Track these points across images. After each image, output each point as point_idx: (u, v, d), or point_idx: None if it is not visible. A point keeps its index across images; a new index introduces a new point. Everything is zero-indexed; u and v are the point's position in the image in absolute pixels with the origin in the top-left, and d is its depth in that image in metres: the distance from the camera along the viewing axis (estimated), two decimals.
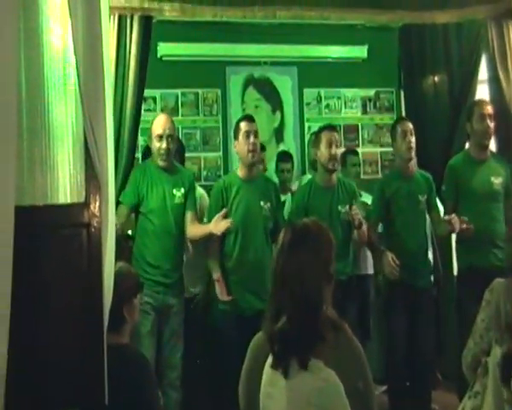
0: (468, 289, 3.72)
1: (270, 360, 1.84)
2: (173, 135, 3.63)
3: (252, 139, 3.59)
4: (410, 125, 3.99)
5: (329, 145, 3.76)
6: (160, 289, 3.49)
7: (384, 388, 4.21)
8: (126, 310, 2.37)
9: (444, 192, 4.11)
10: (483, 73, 4.54)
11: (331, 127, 3.98)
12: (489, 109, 4.00)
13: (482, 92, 4.59)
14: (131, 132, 3.73)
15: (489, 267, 3.78)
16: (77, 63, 2.06)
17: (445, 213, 4.04)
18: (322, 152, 3.78)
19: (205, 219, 3.80)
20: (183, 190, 3.63)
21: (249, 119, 3.71)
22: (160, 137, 3.55)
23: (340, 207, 3.80)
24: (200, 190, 4.17)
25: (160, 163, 3.58)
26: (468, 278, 3.91)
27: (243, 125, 3.64)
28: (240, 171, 3.70)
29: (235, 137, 3.69)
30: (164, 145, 3.55)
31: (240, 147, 3.64)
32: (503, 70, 4.26)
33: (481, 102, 4.12)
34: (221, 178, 4.36)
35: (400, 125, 4.04)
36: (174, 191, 3.60)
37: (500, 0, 4.24)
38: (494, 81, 4.31)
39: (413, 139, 3.95)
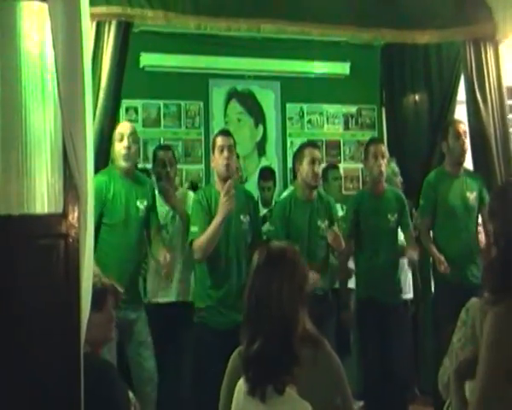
0: (445, 306, 3.75)
1: (241, 385, 1.82)
2: (135, 138, 3.56)
3: (225, 153, 3.55)
4: (383, 148, 4.02)
5: (312, 162, 3.76)
6: (120, 305, 3.38)
7: (362, 403, 4.21)
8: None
9: (421, 207, 4.14)
10: (462, 93, 4.60)
11: (314, 144, 4.02)
12: (463, 127, 4.10)
13: (461, 112, 4.66)
14: (101, 140, 3.60)
15: (465, 283, 3.82)
16: (56, 69, 2.03)
17: (419, 229, 4.08)
18: (305, 168, 3.77)
19: (194, 228, 3.63)
20: (145, 202, 3.58)
21: (224, 133, 3.69)
22: (121, 136, 3.50)
23: (319, 222, 3.82)
24: (190, 193, 4.16)
25: (123, 163, 3.50)
26: (445, 294, 3.94)
27: (218, 140, 3.62)
28: (217, 185, 3.67)
29: (212, 152, 3.67)
30: (125, 143, 3.47)
31: (215, 161, 3.62)
32: (481, 91, 4.33)
33: (456, 121, 4.23)
34: (200, 189, 4.33)
35: (372, 146, 4.05)
36: (138, 203, 3.55)
37: (478, 23, 4.32)
38: (472, 102, 4.37)
39: (384, 161, 3.98)
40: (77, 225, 2.15)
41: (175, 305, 3.92)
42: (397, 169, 4.55)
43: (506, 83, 4.43)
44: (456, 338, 2.37)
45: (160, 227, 3.81)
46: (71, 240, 2.15)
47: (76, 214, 2.15)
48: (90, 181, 2.19)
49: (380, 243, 3.96)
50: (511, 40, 4.34)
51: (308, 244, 3.75)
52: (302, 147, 3.98)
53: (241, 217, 3.61)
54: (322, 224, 3.82)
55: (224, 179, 3.60)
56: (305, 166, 3.77)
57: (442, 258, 3.87)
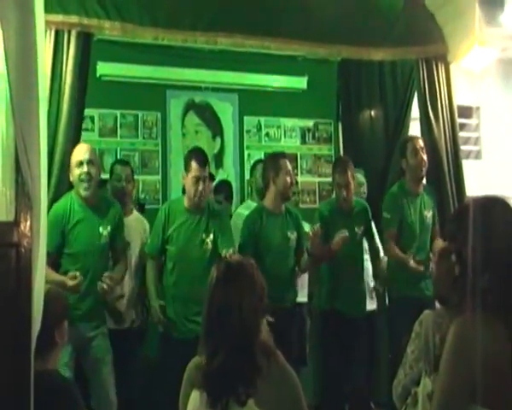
0: (400, 318, 3.80)
1: (197, 399, 1.82)
2: (94, 161, 3.38)
3: (201, 186, 3.48)
4: (350, 170, 4.01)
5: (289, 173, 3.76)
6: (77, 323, 3.24)
7: None
8: (58, 334, 2.29)
9: (387, 220, 4.08)
10: (415, 110, 4.71)
11: (285, 155, 3.98)
12: (421, 143, 4.17)
13: (414, 129, 4.77)
14: (66, 151, 3.51)
15: (420, 297, 3.89)
16: (8, 75, 1.99)
17: (385, 242, 4.11)
18: (282, 180, 3.73)
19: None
20: (109, 227, 3.44)
21: (201, 161, 3.52)
22: (80, 163, 3.32)
23: (289, 234, 3.81)
24: (140, 217, 4.12)
25: (83, 192, 3.33)
26: (400, 306, 4.00)
27: (194, 168, 3.49)
28: (186, 201, 3.60)
29: (186, 170, 3.55)
30: (85, 169, 3.30)
31: (188, 185, 3.52)
32: (433, 109, 4.44)
33: (414, 138, 4.30)
34: (167, 202, 4.24)
35: (339, 165, 4.09)
36: (101, 230, 3.41)
37: (430, 43, 4.44)
38: (424, 119, 4.47)
39: (351, 180, 4.00)
40: (29, 235, 2.10)
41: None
42: (363, 180, 4.61)
43: (457, 101, 4.57)
44: (410, 350, 2.42)
45: (126, 249, 3.71)
46: (23, 249, 2.10)
47: (28, 223, 2.11)
48: (43, 189, 2.15)
49: (346, 256, 3.97)
50: (461, 61, 4.48)
51: (279, 255, 3.73)
52: (275, 158, 3.90)
53: (204, 236, 3.56)
54: (292, 235, 3.82)
55: (195, 206, 3.54)
56: (281, 178, 3.73)
57: (411, 261, 3.92)
